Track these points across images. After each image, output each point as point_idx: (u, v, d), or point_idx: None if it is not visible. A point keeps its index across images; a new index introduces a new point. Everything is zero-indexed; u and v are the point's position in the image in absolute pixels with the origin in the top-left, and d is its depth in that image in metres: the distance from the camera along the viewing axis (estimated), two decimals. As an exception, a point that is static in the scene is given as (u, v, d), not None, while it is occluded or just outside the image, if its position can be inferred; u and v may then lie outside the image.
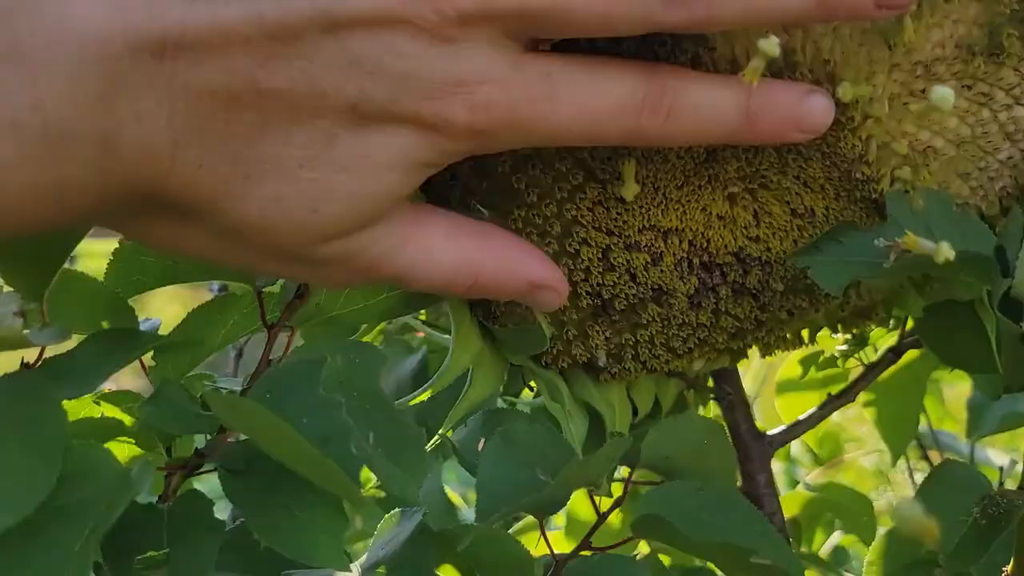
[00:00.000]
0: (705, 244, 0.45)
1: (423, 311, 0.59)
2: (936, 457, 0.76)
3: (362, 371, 0.38)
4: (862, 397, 0.58)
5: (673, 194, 0.43)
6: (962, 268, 0.41)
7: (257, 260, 0.31)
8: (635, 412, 0.54)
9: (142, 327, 0.42)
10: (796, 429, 0.55)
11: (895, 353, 0.51)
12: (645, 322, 0.47)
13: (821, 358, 0.59)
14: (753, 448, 0.56)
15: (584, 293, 0.45)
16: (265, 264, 0.32)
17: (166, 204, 0.28)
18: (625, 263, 0.44)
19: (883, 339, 0.55)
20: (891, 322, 0.52)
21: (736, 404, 0.57)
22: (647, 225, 0.43)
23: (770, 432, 0.55)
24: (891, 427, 0.61)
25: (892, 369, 0.51)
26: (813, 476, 0.73)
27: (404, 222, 0.33)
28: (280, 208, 0.28)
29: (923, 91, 0.39)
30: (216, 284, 0.71)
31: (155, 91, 0.25)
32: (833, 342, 0.57)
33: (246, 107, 0.27)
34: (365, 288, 0.40)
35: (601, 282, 0.45)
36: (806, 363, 0.61)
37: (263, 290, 0.41)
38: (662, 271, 0.45)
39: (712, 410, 0.59)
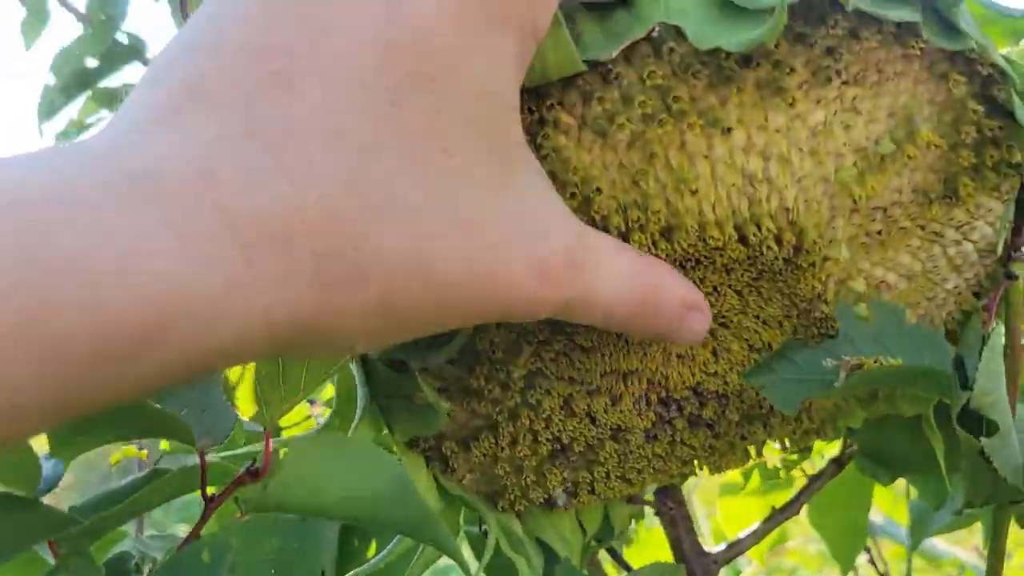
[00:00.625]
0: (663, 381, 0.44)
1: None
2: (887, 545, 0.77)
3: (301, 557, 0.34)
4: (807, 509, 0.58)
5: (636, 338, 0.41)
6: (918, 382, 0.41)
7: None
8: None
9: (44, 469, 0.38)
10: (740, 545, 0.55)
11: (838, 464, 0.52)
12: (602, 459, 0.45)
13: (763, 468, 0.59)
14: (696, 565, 0.55)
15: (544, 440, 0.43)
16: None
17: None
18: (586, 408, 0.43)
19: (827, 448, 0.55)
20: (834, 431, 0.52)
21: (678, 519, 0.55)
22: (608, 370, 0.42)
23: (713, 550, 0.54)
24: (839, 540, 0.61)
25: (836, 480, 0.51)
26: (754, 570, 0.73)
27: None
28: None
29: (879, 232, 0.39)
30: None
31: None
32: (776, 450, 0.57)
33: None
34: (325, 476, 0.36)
35: (562, 428, 0.43)
36: (747, 472, 0.60)
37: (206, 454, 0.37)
38: (621, 411, 0.44)
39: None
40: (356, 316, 0.24)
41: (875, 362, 0.37)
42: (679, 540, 0.56)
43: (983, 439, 0.38)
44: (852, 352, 0.39)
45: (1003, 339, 0.40)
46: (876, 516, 0.80)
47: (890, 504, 0.75)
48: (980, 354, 0.40)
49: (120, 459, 0.56)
